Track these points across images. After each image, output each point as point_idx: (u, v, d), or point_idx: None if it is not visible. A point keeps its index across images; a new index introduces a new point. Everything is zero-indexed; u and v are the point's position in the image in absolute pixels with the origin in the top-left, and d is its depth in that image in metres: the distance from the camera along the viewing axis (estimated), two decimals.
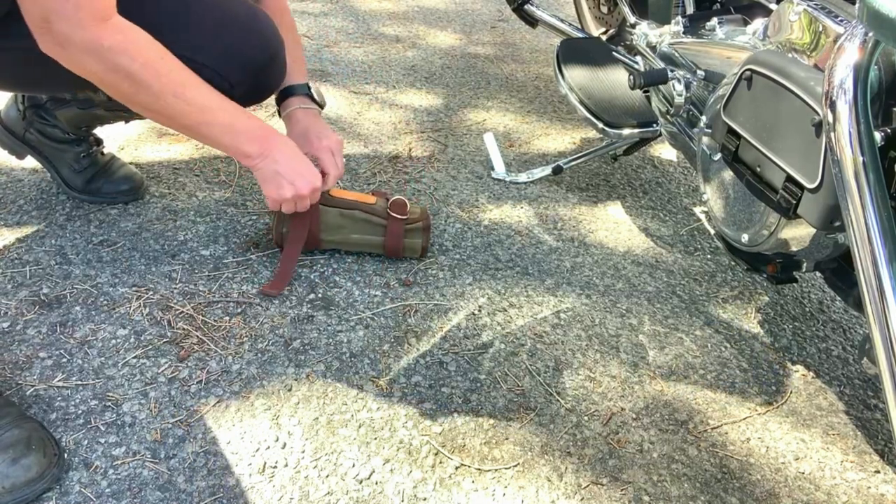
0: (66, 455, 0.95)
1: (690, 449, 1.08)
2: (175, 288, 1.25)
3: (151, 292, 1.23)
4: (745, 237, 1.14)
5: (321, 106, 1.33)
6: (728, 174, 1.15)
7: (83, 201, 1.42)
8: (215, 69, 1.11)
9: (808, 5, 1.03)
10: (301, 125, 1.29)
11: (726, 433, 1.11)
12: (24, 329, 1.14)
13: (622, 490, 1.00)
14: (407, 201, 1.34)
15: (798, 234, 1.05)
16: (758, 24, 1.24)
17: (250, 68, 1.16)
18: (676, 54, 1.45)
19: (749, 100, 1.06)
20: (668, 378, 1.20)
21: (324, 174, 1.24)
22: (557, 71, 1.62)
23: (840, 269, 1.10)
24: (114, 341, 1.13)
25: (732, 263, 1.43)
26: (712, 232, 1.27)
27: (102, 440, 0.98)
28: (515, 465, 1.02)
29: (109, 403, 1.03)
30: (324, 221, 1.30)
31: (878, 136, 0.82)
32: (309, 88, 1.31)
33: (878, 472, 1.08)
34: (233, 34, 1.14)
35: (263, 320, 1.20)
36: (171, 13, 1.09)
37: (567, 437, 1.07)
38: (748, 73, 1.05)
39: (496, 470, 1.01)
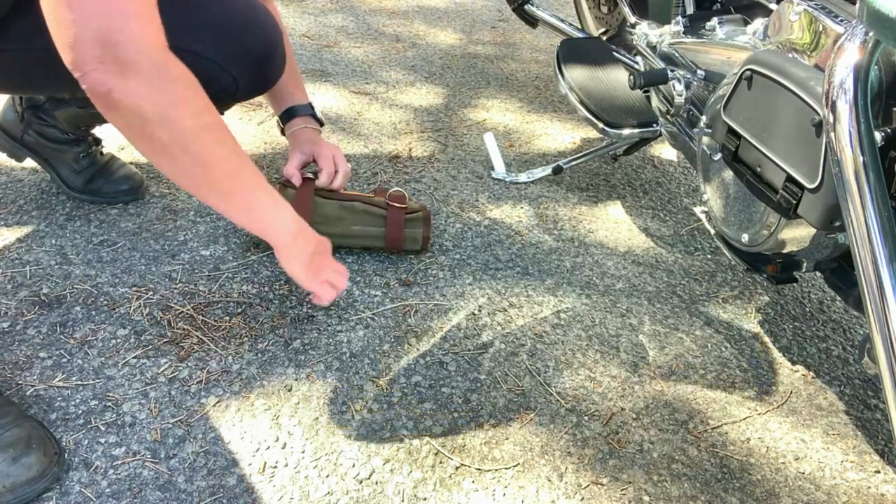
0: (66, 455, 0.95)
1: (690, 449, 1.08)
2: (175, 288, 1.25)
3: (151, 292, 1.23)
4: (745, 237, 1.14)
5: (321, 125, 1.41)
6: (728, 174, 1.15)
7: (83, 201, 1.42)
8: (218, 62, 1.11)
9: (808, 5, 1.03)
10: (304, 137, 1.36)
11: (726, 433, 1.11)
12: (24, 329, 1.14)
13: (622, 490, 1.00)
14: (406, 194, 1.37)
15: (798, 234, 1.05)
16: (758, 24, 1.24)
17: (252, 60, 1.17)
18: (676, 54, 1.45)
19: (749, 100, 1.06)
20: (668, 378, 1.20)
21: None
22: (557, 71, 1.62)
23: (840, 269, 1.10)
24: (114, 341, 1.13)
25: (732, 263, 1.43)
26: (712, 232, 1.27)
27: (102, 440, 0.98)
28: (515, 465, 1.02)
29: (109, 403, 1.03)
30: (323, 214, 1.31)
31: (878, 136, 0.82)
32: (312, 108, 1.38)
33: (878, 472, 1.08)
34: (234, 27, 1.15)
35: (263, 320, 1.20)
36: (172, 8, 1.09)
37: (567, 437, 1.07)
38: (748, 73, 1.05)
39: (496, 470, 1.01)
